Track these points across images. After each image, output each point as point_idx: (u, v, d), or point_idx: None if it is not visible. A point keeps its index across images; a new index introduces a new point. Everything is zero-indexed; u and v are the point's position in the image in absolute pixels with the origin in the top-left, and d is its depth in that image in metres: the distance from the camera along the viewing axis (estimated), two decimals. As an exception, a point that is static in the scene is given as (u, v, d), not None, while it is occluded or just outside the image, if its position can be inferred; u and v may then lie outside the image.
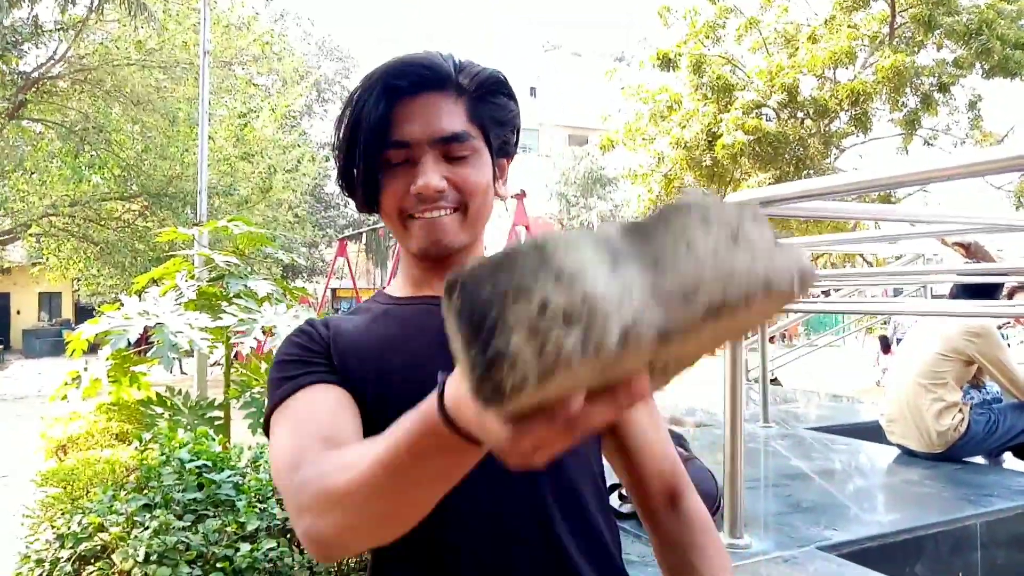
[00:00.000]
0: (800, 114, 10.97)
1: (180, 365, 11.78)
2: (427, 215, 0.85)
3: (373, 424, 0.77)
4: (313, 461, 0.68)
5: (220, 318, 3.09)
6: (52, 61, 10.99)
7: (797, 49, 11.00)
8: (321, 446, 0.71)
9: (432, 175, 0.83)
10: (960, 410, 3.16)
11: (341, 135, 0.87)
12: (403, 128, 0.83)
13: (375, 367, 0.85)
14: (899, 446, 3.40)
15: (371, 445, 0.59)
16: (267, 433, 0.82)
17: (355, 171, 0.87)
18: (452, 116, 0.85)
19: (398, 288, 0.97)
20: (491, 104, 0.89)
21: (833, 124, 11.07)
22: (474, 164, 0.86)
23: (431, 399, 0.51)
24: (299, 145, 16.60)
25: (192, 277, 3.60)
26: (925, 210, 3.70)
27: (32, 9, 9.94)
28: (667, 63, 11.28)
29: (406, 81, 0.83)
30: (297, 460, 0.70)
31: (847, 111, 10.67)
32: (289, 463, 0.70)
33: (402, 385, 0.81)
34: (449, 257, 0.89)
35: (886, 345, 11.22)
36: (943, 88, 10.65)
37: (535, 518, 0.84)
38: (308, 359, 0.85)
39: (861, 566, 2.11)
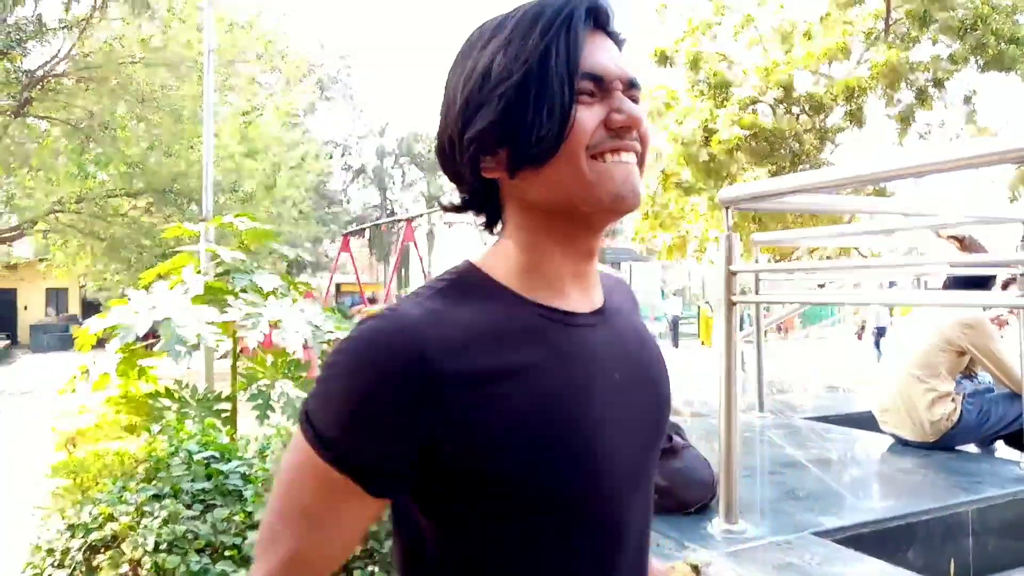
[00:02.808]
0: (796, 109, 10.98)
1: (189, 358, 11.85)
2: (622, 156, 0.70)
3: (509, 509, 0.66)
4: None
5: (226, 312, 3.14)
6: (57, 59, 11.04)
7: (793, 45, 11.00)
8: None
9: (637, 109, 0.71)
10: (952, 400, 3.21)
11: (515, 68, 0.67)
12: (597, 60, 0.70)
13: (541, 466, 0.66)
14: (892, 435, 3.45)
15: None
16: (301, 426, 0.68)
17: (530, 109, 0.67)
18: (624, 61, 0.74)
19: (521, 282, 0.72)
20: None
21: (828, 119, 11.09)
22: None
23: None
24: (303, 142, 16.65)
25: (199, 272, 3.66)
26: (918, 203, 3.74)
27: (36, 7, 9.99)
28: (664, 60, 11.31)
29: (595, 14, 0.71)
30: (276, 569, 0.68)
31: (842, 106, 10.68)
32: (270, 552, 0.69)
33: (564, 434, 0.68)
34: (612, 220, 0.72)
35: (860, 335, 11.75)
36: (938, 83, 10.63)
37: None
38: (383, 443, 0.64)
39: (854, 551, 2.16)
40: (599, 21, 0.72)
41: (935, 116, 11.33)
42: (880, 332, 12.20)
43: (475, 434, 0.64)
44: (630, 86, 0.72)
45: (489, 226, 0.77)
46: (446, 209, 0.79)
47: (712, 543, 2.16)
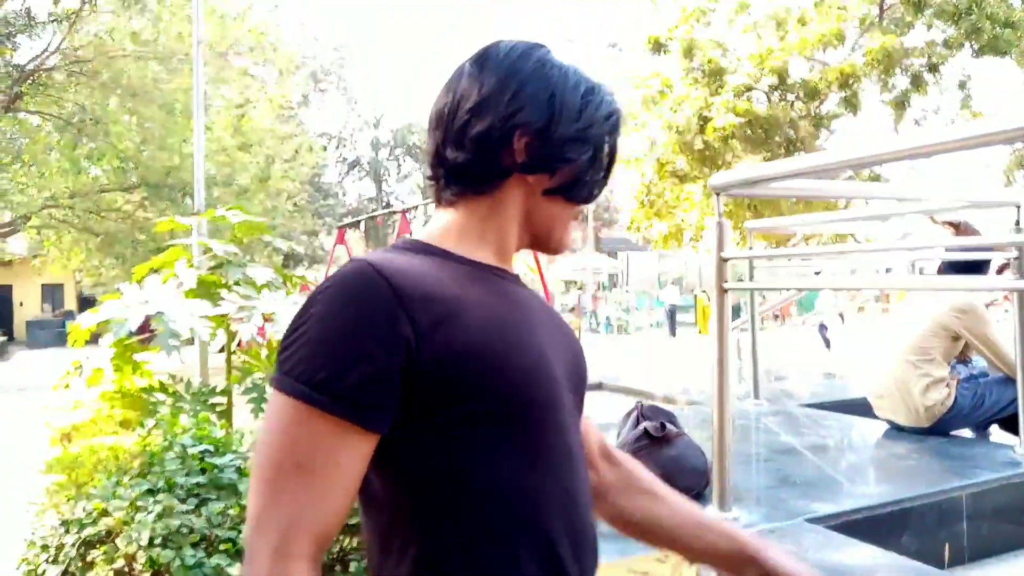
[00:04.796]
0: (790, 96, 10.97)
1: (179, 354, 11.82)
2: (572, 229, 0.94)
3: (497, 424, 0.75)
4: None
5: (220, 305, 3.13)
6: (47, 53, 10.95)
7: (787, 32, 10.97)
8: (309, 551, 0.69)
9: None
10: (947, 385, 3.21)
11: (598, 133, 0.87)
12: None
13: (507, 362, 0.77)
14: (887, 421, 3.45)
15: None
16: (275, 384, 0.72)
17: (595, 169, 0.88)
18: None
19: (467, 249, 0.86)
20: None
21: (823, 106, 11.08)
22: None
23: None
24: (297, 135, 16.57)
25: (191, 266, 3.64)
26: (913, 188, 3.72)
27: (24, 0, 9.91)
28: (659, 48, 11.27)
29: None
30: (276, 541, 0.68)
31: (837, 93, 10.67)
32: (267, 527, 0.69)
33: (545, 381, 0.81)
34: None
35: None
36: (933, 68, 10.63)
37: (587, 502, 0.88)
38: (369, 362, 0.70)
39: (849, 537, 2.16)
40: None
41: (930, 102, 11.33)
42: (823, 328, 12.71)
43: (443, 349, 0.72)
44: None
45: (439, 201, 0.89)
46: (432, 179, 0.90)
47: (706, 531, 2.16)
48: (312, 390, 0.69)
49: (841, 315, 15.66)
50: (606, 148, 0.89)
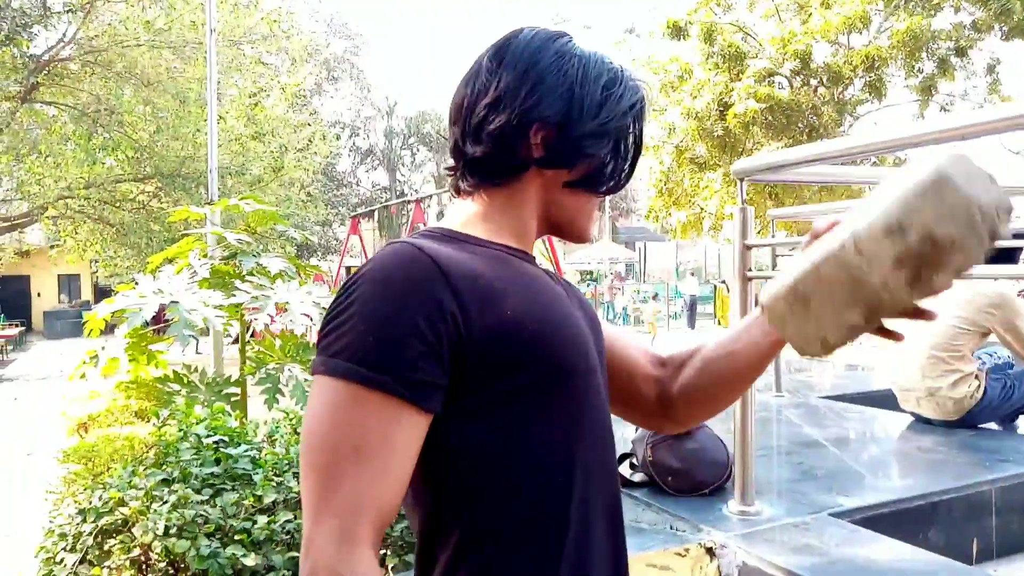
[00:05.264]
0: (813, 81, 10.79)
1: (197, 345, 11.91)
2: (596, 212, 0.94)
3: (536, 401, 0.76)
4: (347, 560, 0.65)
5: (234, 295, 3.12)
6: (62, 43, 11.00)
7: (810, 15, 10.78)
8: (371, 536, 0.67)
9: None
10: (976, 377, 3.14)
11: (622, 125, 0.87)
12: None
13: (550, 335, 0.79)
14: (913, 413, 3.38)
15: None
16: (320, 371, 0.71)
17: (621, 159, 0.88)
18: None
19: (489, 235, 0.86)
20: None
21: (847, 91, 10.89)
22: None
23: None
24: (310, 124, 16.57)
25: (205, 256, 3.63)
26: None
27: (40, -9, 9.95)
28: (677, 32, 11.11)
29: None
30: (339, 528, 0.66)
31: (861, 77, 10.48)
32: (327, 513, 0.67)
33: (576, 355, 0.81)
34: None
35: None
36: (961, 52, 10.42)
37: (617, 475, 0.90)
38: (421, 340, 0.70)
39: (874, 532, 2.11)
40: None
41: (957, 86, 11.12)
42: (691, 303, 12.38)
43: (491, 325, 0.73)
44: None
45: (459, 190, 0.89)
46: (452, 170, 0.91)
47: (727, 525, 2.12)
48: (368, 370, 0.68)
49: None
50: (631, 138, 0.88)
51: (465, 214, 0.88)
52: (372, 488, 0.67)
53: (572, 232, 0.91)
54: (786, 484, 2.53)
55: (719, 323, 18.70)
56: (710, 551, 1.98)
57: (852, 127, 11.23)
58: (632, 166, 0.90)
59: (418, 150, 33.31)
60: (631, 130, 0.88)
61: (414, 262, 0.72)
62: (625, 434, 2.59)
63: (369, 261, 0.75)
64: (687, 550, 1.96)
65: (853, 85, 10.80)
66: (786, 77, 10.72)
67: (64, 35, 10.98)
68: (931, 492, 2.38)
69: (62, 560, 2.43)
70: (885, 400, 3.74)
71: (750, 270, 2.22)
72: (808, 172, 2.48)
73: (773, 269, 3.46)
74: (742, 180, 2.30)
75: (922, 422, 3.33)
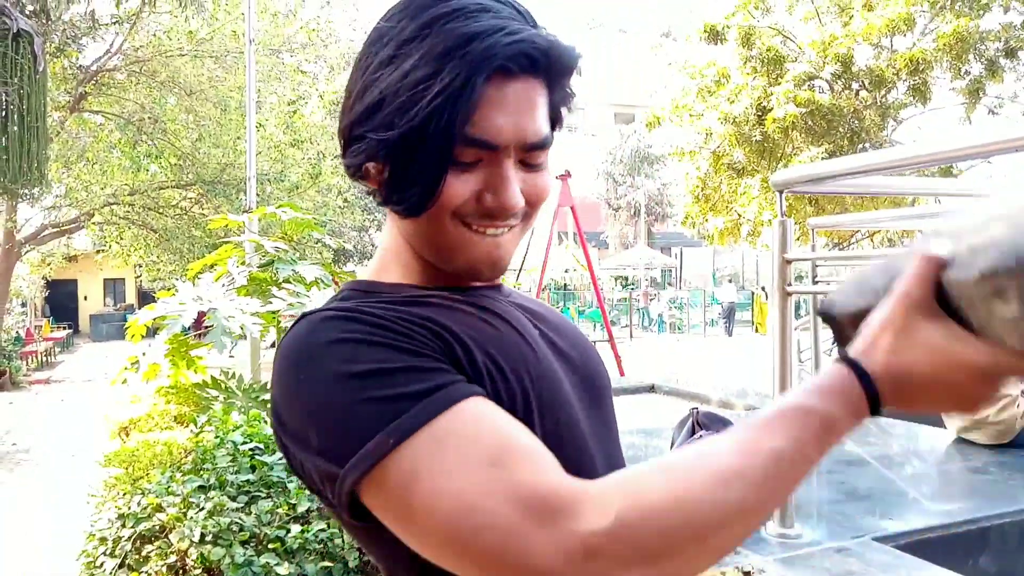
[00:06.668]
0: (855, 85, 10.55)
1: (231, 348, 12.11)
2: (489, 232, 0.70)
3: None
4: (592, 500, 0.54)
5: (270, 302, 3.15)
6: (109, 54, 11.31)
7: (852, 17, 10.55)
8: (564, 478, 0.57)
9: (515, 192, 0.68)
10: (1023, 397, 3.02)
11: (401, 119, 0.64)
12: (490, 124, 0.65)
13: (526, 367, 0.70)
14: (958, 437, 3.26)
15: (732, 447, 0.55)
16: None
17: (404, 167, 0.67)
18: (541, 113, 0.69)
19: (413, 278, 0.76)
20: (564, 92, 0.72)
21: (890, 95, 10.62)
22: (546, 171, 0.72)
23: (842, 378, 0.56)
24: (347, 130, 16.66)
25: (243, 263, 3.68)
26: (986, 183, 3.51)
27: (89, 3, 10.23)
28: (715, 36, 10.97)
29: (516, 65, 0.65)
30: (556, 507, 0.54)
31: (905, 81, 10.21)
32: (534, 511, 0.54)
33: (541, 383, 0.71)
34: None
35: None
36: (1010, 53, 10.09)
37: None
38: (429, 352, 0.63)
39: (920, 559, 2.03)
40: (530, 68, 0.66)
41: (1006, 88, 10.77)
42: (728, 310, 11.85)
43: (476, 356, 0.66)
44: (530, 149, 0.69)
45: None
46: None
47: (765, 548, 2.06)
48: (428, 401, 0.59)
49: None
50: (419, 125, 0.64)
51: (390, 260, 0.78)
52: (534, 466, 0.58)
53: (448, 262, 0.73)
54: (828, 506, 2.45)
55: (756, 330, 18.38)
56: (748, 575, 1.93)
57: (895, 131, 10.95)
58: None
59: (453, 156, 33.48)
60: (421, 116, 0.66)
61: (352, 316, 0.66)
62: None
63: (290, 345, 0.67)
64: (723, 574, 1.91)
65: (896, 89, 10.53)
66: (827, 81, 10.51)
67: (111, 46, 11.29)
68: (983, 516, 2.29)
69: (102, 564, 2.47)
70: (931, 416, 3.62)
71: (790, 284, 2.17)
72: (849, 184, 2.41)
73: (813, 281, 3.38)
74: (781, 192, 2.24)
75: (968, 442, 3.21)
